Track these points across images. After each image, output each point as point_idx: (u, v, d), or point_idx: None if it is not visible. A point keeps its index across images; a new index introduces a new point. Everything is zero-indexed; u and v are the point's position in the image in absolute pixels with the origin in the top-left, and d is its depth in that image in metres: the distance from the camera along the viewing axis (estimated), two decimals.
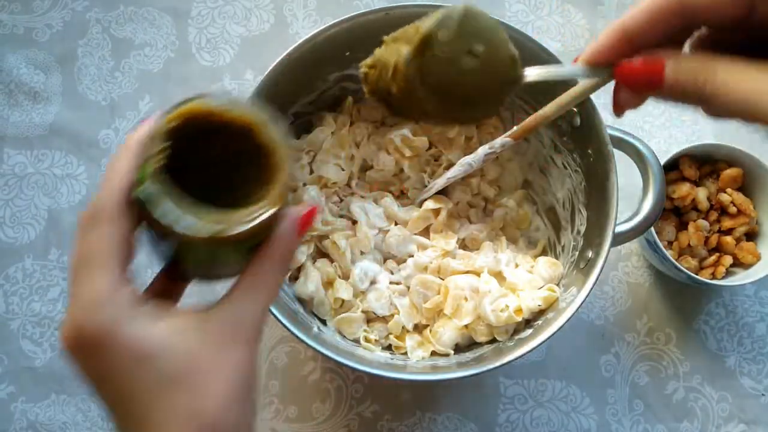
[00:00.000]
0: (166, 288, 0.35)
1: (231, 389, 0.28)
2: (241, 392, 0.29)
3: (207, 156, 0.30)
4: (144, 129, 0.29)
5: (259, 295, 0.30)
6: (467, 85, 0.34)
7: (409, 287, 0.56)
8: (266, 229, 0.30)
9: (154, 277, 0.35)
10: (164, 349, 0.28)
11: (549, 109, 0.46)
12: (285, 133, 0.30)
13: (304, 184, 0.58)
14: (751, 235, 0.61)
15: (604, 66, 0.29)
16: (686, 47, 0.29)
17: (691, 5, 0.26)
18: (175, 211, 0.26)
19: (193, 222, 0.26)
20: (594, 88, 0.45)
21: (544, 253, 0.59)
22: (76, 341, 0.27)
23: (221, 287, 0.31)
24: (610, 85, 0.44)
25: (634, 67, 0.28)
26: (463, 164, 0.55)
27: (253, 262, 0.30)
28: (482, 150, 0.54)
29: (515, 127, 0.50)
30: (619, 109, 0.31)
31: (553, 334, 0.47)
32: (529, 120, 0.48)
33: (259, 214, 0.28)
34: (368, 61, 0.39)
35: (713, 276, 0.60)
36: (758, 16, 0.25)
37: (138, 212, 0.28)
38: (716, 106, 0.26)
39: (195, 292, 0.36)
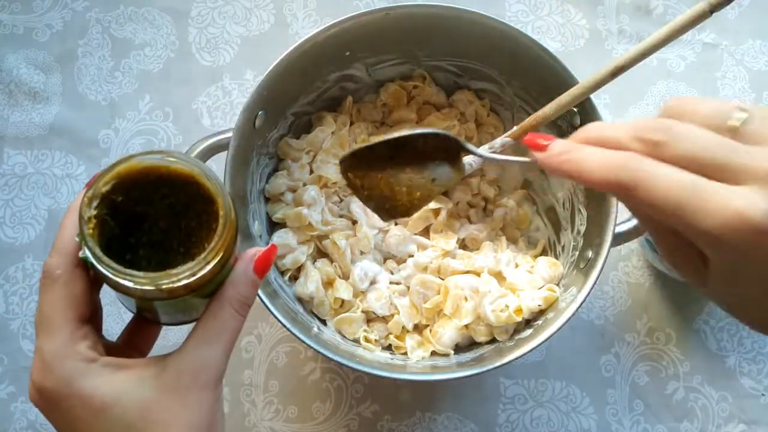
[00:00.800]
0: (141, 329, 0.36)
1: None
2: None
3: (156, 209, 0.31)
4: (82, 195, 0.30)
5: (218, 339, 0.31)
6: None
7: (409, 287, 0.56)
8: (218, 275, 0.30)
9: (129, 322, 0.36)
10: (119, 401, 0.29)
11: (549, 109, 0.46)
12: (222, 182, 0.31)
13: (304, 184, 0.58)
14: None
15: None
16: None
17: None
18: (110, 273, 0.27)
19: (129, 283, 0.27)
20: (595, 87, 0.45)
21: (544, 253, 0.59)
22: (40, 396, 0.29)
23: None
24: (611, 85, 0.44)
25: (533, 136, 0.33)
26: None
27: (209, 307, 0.31)
28: (482, 150, 0.54)
29: (515, 127, 0.50)
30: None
31: (553, 334, 0.47)
32: (529, 120, 0.48)
33: (198, 268, 0.28)
34: None
35: None
36: None
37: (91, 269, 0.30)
38: (645, 205, 0.27)
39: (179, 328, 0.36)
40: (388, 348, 0.56)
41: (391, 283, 0.57)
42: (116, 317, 0.63)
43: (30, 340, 0.63)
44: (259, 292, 0.47)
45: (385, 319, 0.56)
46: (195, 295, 0.30)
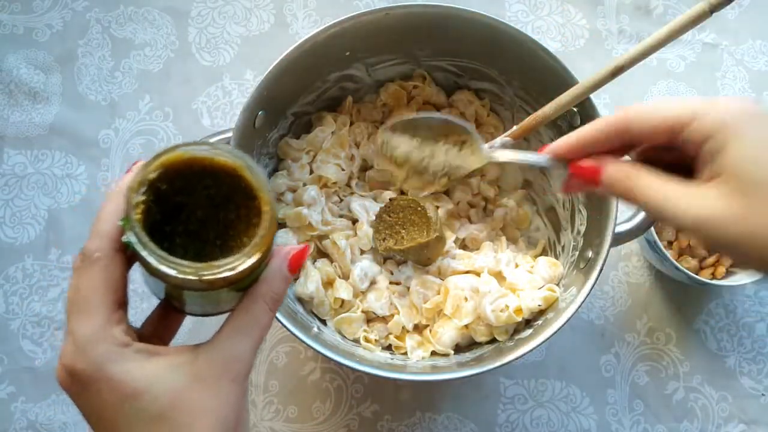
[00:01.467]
0: (166, 318, 0.36)
1: (219, 426, 0.29)
2: (229, 428, 0.30)
3: (195, 200, 0.31)
4: (130, 176, 0.30)
5: (249, 333, 0.31)
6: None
7: (409, 287, 0.56)
8: (256, 270, 0.30)
9: (154, 309, 0.36)
10: (150, 388, 0.28)
11: (549, 109, 0.46)
12: (266, 176, 0.31)
13: (304, 184, 0.58)
14: None
15: (561, 161, 0.37)
16: (629, 155, 0.36)
17: (631, 132, 0.33)
18: (154, 260, 0.27)
19: (172, 272, 0.27)
20: (595, 87, 0.45)
21: (544, 253, 0.59)
22: (70, 379, 0.29)
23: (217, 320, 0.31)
24: (611, 85, 0.44)
25: (583, 167, 0.36)
26: None
27: (242, 301, 0.31)
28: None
29: (515, 127, 0.49)
30: (567, 190, 0.39)
31: (553, 334, 0.47)
32: (529, 120, 0.48)
33: (239, 263, 0.28)
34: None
35: (713, 276, 0.60)
36: (679, 144, 0.32)
37: (130, 253, 0.30)
38: (638, 205, 0.33)
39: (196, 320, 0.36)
40: (388, 348, 0.56)
41: (391, 283, 0.57)
42: None
43: (30, 340, 0.63)
44: None
45: (385, 319, 0.56)
46: (231, 288, 0.30)
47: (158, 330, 0.36)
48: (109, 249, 0.29)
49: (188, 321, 0.37)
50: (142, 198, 0.28)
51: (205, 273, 0.28)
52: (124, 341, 0.29)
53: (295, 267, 0.32)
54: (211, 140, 0.35)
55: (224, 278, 0.28)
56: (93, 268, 0.29)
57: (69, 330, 0.29)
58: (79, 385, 0.29)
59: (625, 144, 0.35)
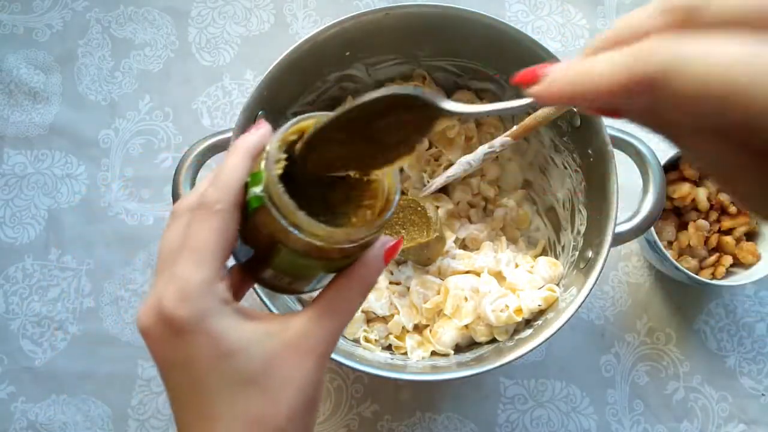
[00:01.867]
0: (239, 285, 0.35)
1: (300, 399, 0.29)
2: (308, 404, 0.29)
3: (310, 173, 0.31)
4: (255, 136, 0.30)
5: (339, 313, 0.31)
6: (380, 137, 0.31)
7: (409, 287, 0.56)
8: (357, 253, 0.30)
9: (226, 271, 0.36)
10: (246, 350, 0.28)
11: (549, 109, 0.46)
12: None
13: None
14: (751, 235, 0.61)
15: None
16: None
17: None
18: (293, 215, 0.27)
19: (298, 233, 0.27)
20: None
21: (544, 253, 0.59)
22: (163, 324, 0.28)
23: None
24: None
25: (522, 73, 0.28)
26: (463, 163, 0.55)
27: (339, 280, 0.31)
28: (482, 149, 0.54)
29: (515, 127, 0.50)
30: (541, 100, 0.28)
31: (553, 334, 0.47)
32: (529, 120, 0.48)
33: (369, 234, 0.29)
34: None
35: (713, 276, 0.60)
36: None
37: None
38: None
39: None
40: (388, 348, 0.56)
41: (390, 283, 0.57)
42: (116, 317, 0.63)
43: (30, 340, 0.63)
44: (259, 291, 0.47)
45: (385, 319, 0.56)
46: (326, 265, 0.30)
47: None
48: (229, 202, 0.29)
49: None
50: (284, 156, 0.28)
51: (336, 238, 0.28)
52: (226, 298, 0.29)
53: (389, 258, 0.32)
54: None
55: (341, 249, 0.28)
56: (213, 218, 0.28)
57: (176, 275, 0.28)
58: (173, 333, 0.27)
59: None
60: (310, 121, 0.29)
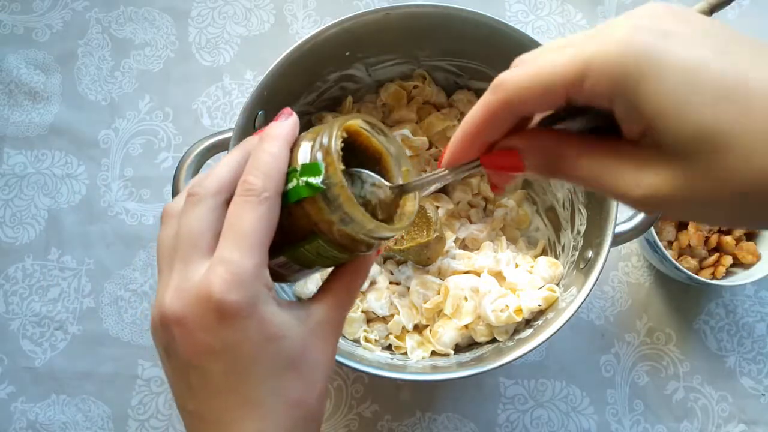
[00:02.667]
0: None
1: (325, 381, 0.31)
2: (327, 384, 0.32)
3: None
4: (289, 126, 0.31)
5: (347, 300, 0.33)
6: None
7: (408, 287, 0.56)
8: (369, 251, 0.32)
9: None
10: (288, 333, 0.30)
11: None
12: (417, 173, 0.32)
13: None
14: (751, 235, 0.61)
15: (468, 163, 0.30)
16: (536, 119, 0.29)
17: (515, 107, 0.27)
18: (354, 208, 0.28)
19: (369, 220, 0.29)
20: None
21: (544, 253, 0.59)
22: (207, 309, 0.28)
23: None
24: None
25: (495, 160, 0.29)
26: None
27: (348, 272, 0.33)
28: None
29: None
30: (496, 190, 0.33)
31: (553, 334, 0.47)
32: None
33: (403, 229, 0.31)
34: None
35: (713, 276, 0.60)
36: (581, 101, 0.25)
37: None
38: (571, 181, 0.27)
39: None
40: (388, 348, 0.56)
41: (390, 283, 0.57)
42: (116, 317, 0.63)
43: (30, 340, 0.63)
44: None
45: (385, 319, 0.56)
46: (342, 256, 0.31)
47: None
48: (275, 191, 0.29)
49: None
50: (341, 144, 0.29)
51: (380, 233, 0.29)
52: (270, 284, 0.30)
53: (379, 252, 0.35)
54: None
55: (371, 243, 0.30)
56: (261, 206, 0.29)
57: (227, 260, 0.28)
58: (219, 318, 0.28)
59: (526, 119, 0.29)
60: (357, 120, 0.31)
